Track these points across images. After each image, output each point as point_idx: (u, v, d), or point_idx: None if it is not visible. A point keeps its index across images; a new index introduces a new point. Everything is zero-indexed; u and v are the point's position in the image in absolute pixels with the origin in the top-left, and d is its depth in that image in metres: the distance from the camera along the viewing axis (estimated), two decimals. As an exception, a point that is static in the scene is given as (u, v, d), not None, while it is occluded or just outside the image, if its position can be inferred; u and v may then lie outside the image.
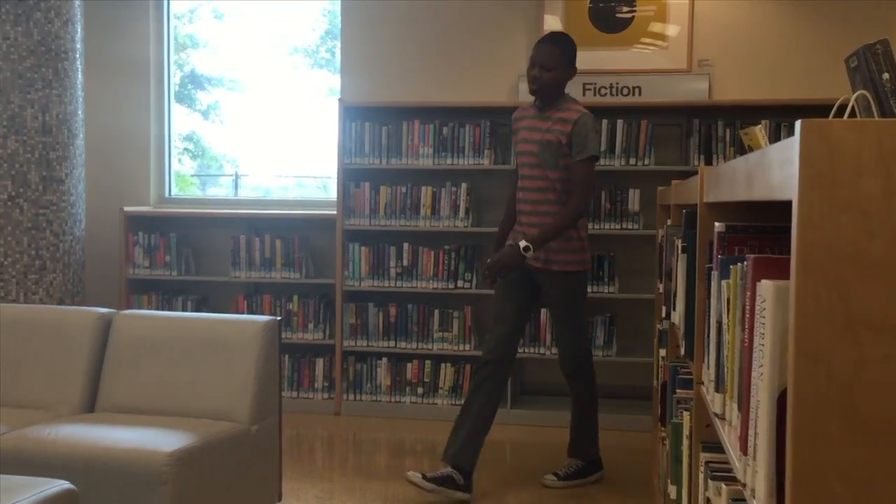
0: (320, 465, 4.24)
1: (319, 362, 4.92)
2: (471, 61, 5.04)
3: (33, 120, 4.23)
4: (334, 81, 5.40)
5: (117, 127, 5.29)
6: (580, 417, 3.74)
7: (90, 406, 3.12)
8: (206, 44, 5.83)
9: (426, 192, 4.83)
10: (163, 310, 4.90)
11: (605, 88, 4.86)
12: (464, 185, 4.80)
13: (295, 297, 4.95)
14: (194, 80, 5.84)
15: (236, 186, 5.88)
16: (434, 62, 5.07)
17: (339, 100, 4.94)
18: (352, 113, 4.90)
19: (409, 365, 4.83)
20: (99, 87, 5.14)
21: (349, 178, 4.90)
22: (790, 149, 0.84)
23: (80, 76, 4.45)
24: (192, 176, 5.96)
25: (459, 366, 4.81)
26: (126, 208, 5.05)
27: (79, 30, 4.44)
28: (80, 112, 4.47)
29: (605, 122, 4.67)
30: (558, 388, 4.97)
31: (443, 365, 4.81)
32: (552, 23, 4.91)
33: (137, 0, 5.28)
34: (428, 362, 4.82)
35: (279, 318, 3.29)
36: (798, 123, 0.82)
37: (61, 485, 2.23)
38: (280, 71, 5.65)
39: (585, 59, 4.90)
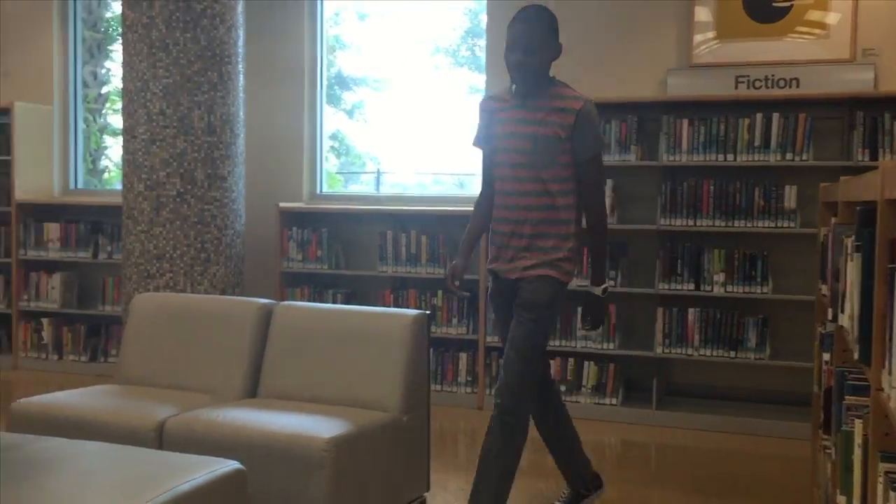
0: (464, 458, 4.29)
1: (463, 357, 4.99)
2: (617, 56, 4.97)
3: (200, 121, 4.50)
4: (475, 79, 5.46)
5: (273, 126, 5.55)
6: (504, 469, 2.82)
7: (252, 391, 3.30)
8: (350, 45, 6.01)
9: (570, 189, 4.80)
10: (314, 302, 5.10)
11: (760, 81, 4.68)
12: (609, 182, 4.74)
13: (439, 293, 5.04)
14: (340, 81, 6.04)
15: (378, 183, 6.04)
16: (579, 58, 5.02)
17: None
18: (497, 110, 4.93)
19: (552, 362, 4.81)
20: (257, 89, 5.40)
21: (494, 174, 4.93)
22: None
23: (241, 79, 4.69)
24: (337, 173, 6.17)
25: (603, 364, 4.75)
26: (281, 204, 5.29)
27: (241, 34, 4.68)
28: (241, 113, 4.71)
29: (759, 115, 4.50)
30: (705, 389, 4.84)
31: (586, 363, 4.77)
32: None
33: (293, 1, 5.52)
34: (571, 360, 4.79)
35: (427, 312, 3.36)
36: None
37: (231, 465, 2.36)
38: (421, 70, 5.76)
39: (738, 50, 4.77)
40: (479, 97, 5.19)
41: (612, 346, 4.73)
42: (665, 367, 4.83)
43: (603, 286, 2.93)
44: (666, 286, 4.63)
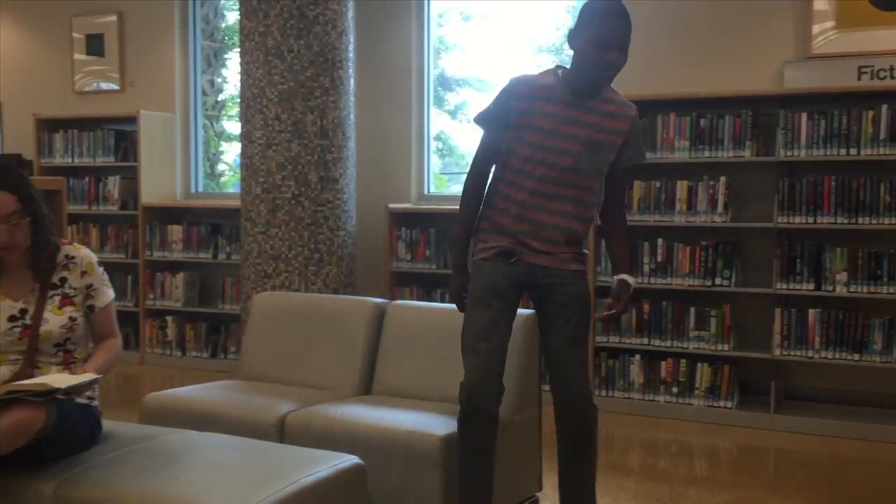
0: (574, 458, 4.27)
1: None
2: (730, 49, 4.84)
3: (313, 125, 4.63)
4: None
5: (382, 128, 5.66)
6: (588, 478, 2.70)
7: (367, 388, 3.38)
8: (454, 46, 6.06)
9: (681, 187, 4.71)
10: (423, 301, 5.17)
11: (885, 70, 4.47)
12: (722, 179, 4.62)
13: (547, 292, 5.01)
14: (443, 82, 6.09)
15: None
16: (689, 52, 4.92)
17: (593, 95, 4.93)
18: (605, 108, 4.88)
19: (663, 363, 4.73)
20: (367, 91, 5.52)
21: (602, 173, 4.88)
22: None
23: (352, 83, 4.81)
24: (440, 174, 6.23)
25: (717, 366, 4.64)
26: (390, 205, 5.39)
27: (351, 39, 4.80)
28: (351, 116, 4.82)
29: (884, 107, 4.29)
30: (826, 393, 4.66)
31: (699, 364, 4.67)
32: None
33: (400, 2, 5.61)
34: (683, 361, 4.69)
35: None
36: None
37: (351, 459, 2.44)
38: (524, 69, 5.75)
39: (861, 39, 4.56)
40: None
41: (726, 347, 4.61)
42: (783, 370, 4.67)
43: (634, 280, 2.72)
44: (784, 286, 4.48)
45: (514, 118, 2.60)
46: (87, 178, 6.30)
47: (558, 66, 2.68)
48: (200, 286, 6.13)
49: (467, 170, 2.77)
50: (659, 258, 4.74)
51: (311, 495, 2.27)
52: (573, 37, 2.59)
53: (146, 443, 2.56)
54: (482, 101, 6.02)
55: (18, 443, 2.22)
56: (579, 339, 2.68)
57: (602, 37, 2.51)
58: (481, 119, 2.69)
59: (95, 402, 2.59)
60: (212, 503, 2.12)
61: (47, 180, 4.71)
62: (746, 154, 4.58)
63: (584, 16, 2.56)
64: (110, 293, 2.64)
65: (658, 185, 4.75)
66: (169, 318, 6.04)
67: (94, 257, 2.62)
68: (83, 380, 2.34)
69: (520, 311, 3.27)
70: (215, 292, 6.03)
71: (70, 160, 6.35)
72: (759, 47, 4.77)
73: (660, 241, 4.75)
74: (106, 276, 2.65)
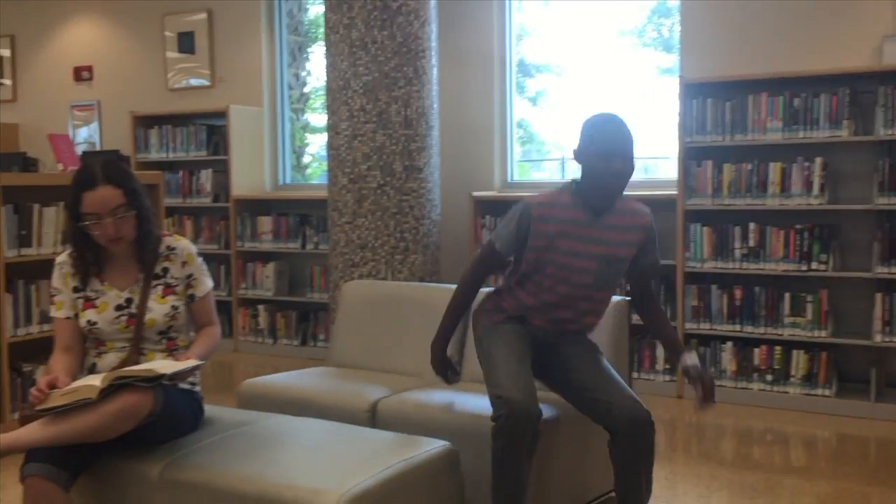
0: (663, 448, 4.22)
1: (659, 344, 4.88)
2: (824, 24, 4.66)
3: (397, 115, 4.67)
4: (663, 60, 5.31)
5: (465, 116, 5.67)
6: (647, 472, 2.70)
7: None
8: (533, 32, 6.01)
9: (774, 169, 4.58)
10: (508, 289, 5.17)
11: None
12: (818, 160, 4.47)
13: (634, 278, 4.95)
14: (522, 68, 6.05)
15: (563, 169, 6.02)
16: (781, 30, 4.76)
17: (680, 77, 4.84)
18: (693, 90, 4.78)
19: (756, 350, 4.62)
20: (450, 80, 5.54)
21: (690, 156, 4.79)
22: None
23: (435, 72, 4.83)
24: (521, 161, 6.21)
25: (814, 353, 4.50)
26: (474, 193, 5.40)
27: (434, 28, 4.82)
28: (435, 105, 4.85)
29: None
30: (932, 382, 4.47)
31: (794, 352, 4.54)
32: None
33: (482, -5, 5.61)
34: (778, 348, 4.57)
35: (628, 298, 3.33)
36: None
37: (444, 445, 2.47)
38: (606, 53, 5.67)
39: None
40: (670, 79, 5.07)
41: (823, 333, 4.47)
42: (884, 357, 4.50)
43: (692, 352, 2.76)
44: (884, 270, 4.31)
45: (531, 240, 2.68)
46: (180, 173, 6.52)
47: (573, 181, 2.74)
48: (290, 275, 6.29)
49: (464, 273, 2.91)
50: (751, 242, 4.63)
51: (407, 479, 2.31)
52: (578, 154, 2.68)
53: (245, 427, 2.65)
54: (562, 87, 5.99)
55: (127, 426, 2.33)
56: (601, 362, 2.76)
57: (604, 149, 2.59)
58: (496, 239, 2.78)
59: (198, 388, 2.69)
60: (311, 486, 2.19)
61: (146, 174, 4.90)
62: (843, 133, 4.42)
63: (585, 132, 2.66)
64: (209, 282, 2.73)
65: (749, 167, 4.63)
66: (260, 307, 6.21)
67: (193, 248, 2.71)
68: (186, 366, 2.43)
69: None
70: (304, 281, 6.17)
71: (165, 155, 6.58)
72: (855, 22, 4.59)
73: (752, 226, 4.63)
74: (205, 266, 2.74)
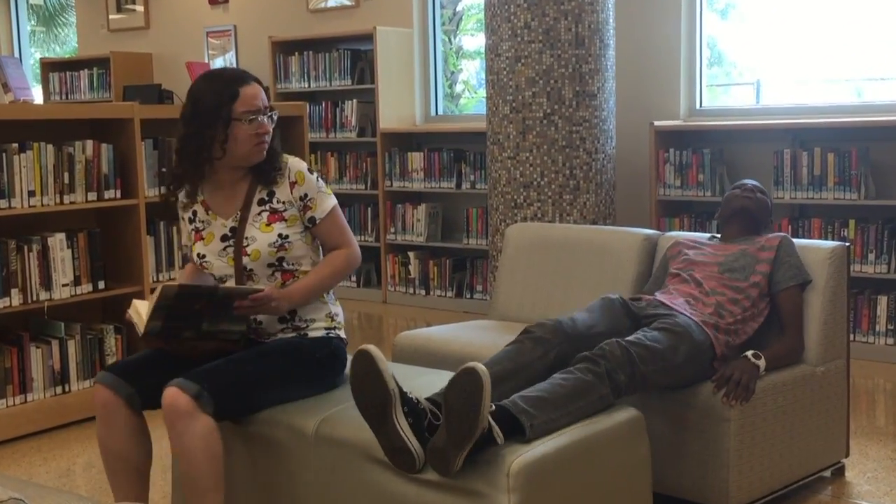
0: (886, 421, 4.01)
1: (882, 301, 4.62)
2: None
3: (566, 32, 4.58)
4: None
5: (645, 33, 5.50)
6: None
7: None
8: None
9: None
10: (696, 232, 5.02)
11: None
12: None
13: (851, 222, 4.70)
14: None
15: (758, 94, 5.75)
16: None
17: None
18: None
19: None
20: (627, -9, 5.37)
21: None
22: None
23: (612, -19, 4.69)
24: (708, 86, 5.97)
25: None
26: (656, 123, 5.25)
27: (611, -70, 4.66)
28: (611, 20, 4.71)
29: None
30: None
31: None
32: None
33: None
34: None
35: (848, 244, 3.15)
36: None
37: (629, 411, 2.45)
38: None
39: None
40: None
41: None
42: None
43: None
44: None
45: None
46: (323, 104, 6.68)
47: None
48: (443, 219, 6.35)
49: None
50: None
51: (590, 446, 2.32)
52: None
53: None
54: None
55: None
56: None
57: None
58: None
59: (334, 333, 2.69)
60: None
61: (287, 105, 5.05)
62: None
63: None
64: (331, 200, 2.66)
65: None
66: (411, 254, 6.32)
67: (303, 165, 2.67)
68: (243, 289, 2.53)
69: (827, 243, 3.11)
70: (459, 225, 6.22)
71: (306, 85, 6.75)
72: None
73: None
74: (322, 183, 2.68)
